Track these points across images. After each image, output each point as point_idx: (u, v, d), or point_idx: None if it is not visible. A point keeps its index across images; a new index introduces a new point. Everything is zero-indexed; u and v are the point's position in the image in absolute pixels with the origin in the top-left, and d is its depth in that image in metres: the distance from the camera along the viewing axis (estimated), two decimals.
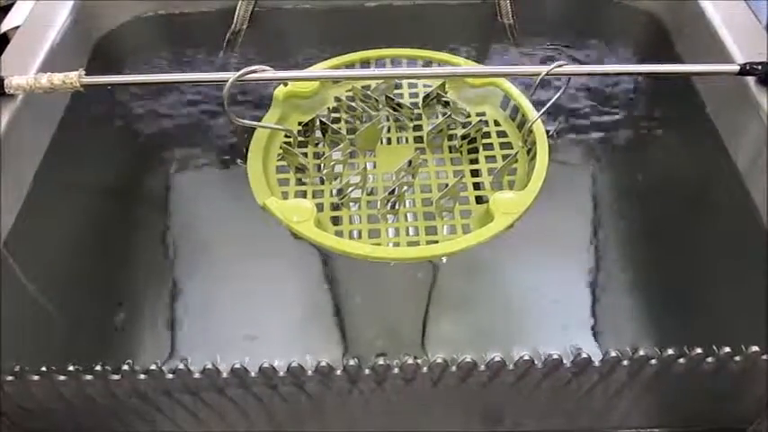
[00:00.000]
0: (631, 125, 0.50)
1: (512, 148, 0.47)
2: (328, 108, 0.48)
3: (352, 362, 0.34)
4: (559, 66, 0.40)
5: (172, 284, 0.45)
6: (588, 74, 0.40)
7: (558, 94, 0.42)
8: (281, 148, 0.45)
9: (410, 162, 0.44)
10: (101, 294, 0.46)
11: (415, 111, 0.48)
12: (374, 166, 0.46)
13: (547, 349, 0.40)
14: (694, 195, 0.45)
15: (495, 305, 0.42)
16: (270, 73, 0.41)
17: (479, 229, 0.40)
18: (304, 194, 0.44)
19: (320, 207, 0.43)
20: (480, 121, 0.46)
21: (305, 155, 0.47)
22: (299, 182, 0.45)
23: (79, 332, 0.45)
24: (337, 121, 0.49)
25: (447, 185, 0.44)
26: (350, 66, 0.51)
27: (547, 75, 0.40)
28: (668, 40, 0.50)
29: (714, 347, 0.34)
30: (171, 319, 0.43)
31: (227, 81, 0.41)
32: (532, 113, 0.46)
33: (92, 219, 0.49)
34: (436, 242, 0.41)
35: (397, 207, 0.43)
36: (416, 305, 0.43)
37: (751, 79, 0.43)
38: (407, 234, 0.42)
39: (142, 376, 0.35)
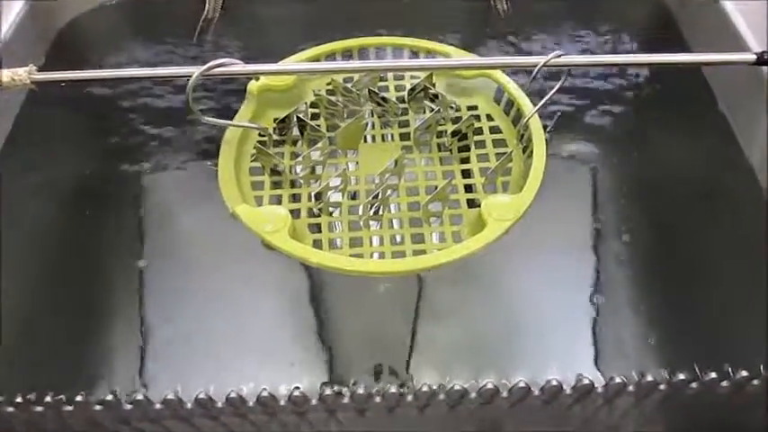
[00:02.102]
0: (637, 120, 0.47)
1: (506, 146, 0.43)
2: (306, 103, 0.45)
3: (328, 390, 0.31)
4: (558, 56, 0.37)
5: (139, 301, 0.42)
6: (590, 64, 0.37)
7: (558, 86, 0.39)
8: (254, 147, 0.41)
9: (396, 162, 0.40)
10: (62, 307, 0.43)
11: (401, 105, 0.45)
12: (356, 167, 0.43)
13: (545, 370, 0.37)
14: (705, 195, 0.42)
15: (488, 320, 0.39)
16: (239, 67, 0.38)
17: (471, 237, 0.37)
18: (279, 199, 0.41)
19: (297, 213, 0.40)
20: (472, 115, 0.42)
21: (281, 155, 0.43)
22: (275, 185, 0.42)
23: (39, 345, 0.42)
24: (317, 117, 0.46)
25: (436, 188, 0.41)
26: (330, 56, 0.47)
27: (545, 66, 0.36)
28: (676, 28, 0.46)
29: (729, 370, 0.31)
30: (139, 336, 0.40)
31: (191, 76, 0.37)
32: (529, 107, 0.43)
33: (53, 225, 0.45)
34: (424, 252, 0.38)
35: (381, 212, 0.40)
36: (402, 320, 0.40)
37: (767, 69, 0.39)
38: (392, 243, 0.39)
39: (98, 407, 0.32)
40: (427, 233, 0.39)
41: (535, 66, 0.37)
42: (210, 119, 0.39)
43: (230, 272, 0.42)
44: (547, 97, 0.39)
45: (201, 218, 0.44)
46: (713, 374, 0.31)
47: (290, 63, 0.41)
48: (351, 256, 0.38)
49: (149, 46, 0.54)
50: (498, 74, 0.45)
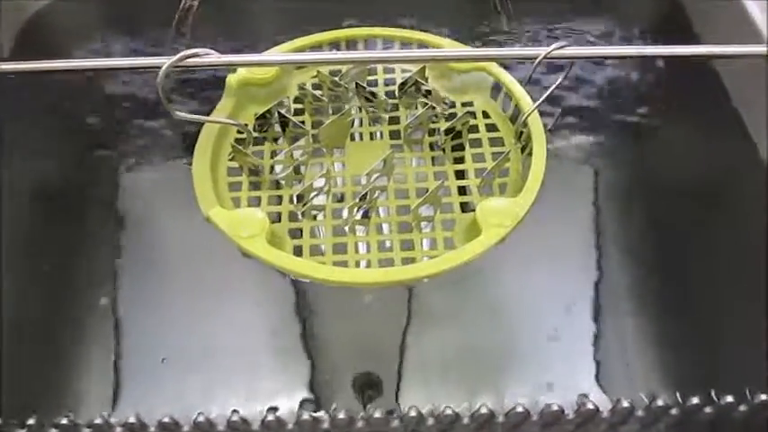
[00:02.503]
0: (645, 118, 0.44)
1: (503, 145, 0.41)
2: (288, 98, 0.42)
3: (306, 415, 0.28)
4: (560, 47, 0.34)
5: (113, 311, 0.39)
6: (594, 57, 0.34)
7: (560, 80, 0.36)
8: (231, 146, 0.38)
9: (384, 162, 0.38)
10: (23, 322, 0.40)
11: (391, 101, 0.42)
12: (342, 167, 0.40)
13: (544, 388, 0.34)
14: (718, 198, 0.39)
15: (483, 333, 0.36)
16: (213, 57, 0.34)
17: (464, 244, 0.34)
18: (259, 201, 0.38)
19: (277, 216, 0.37)
20: (467, 112, 0.39)
21: (260, 154, 0.40)
22: (253, 186, 0.39)
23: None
24: (301, 113, 0.43)
25: (427, 190, 0.38)
26: (316, 47, 0.44)
27: (546, 58, 0.33)
28: (685, 18, 0.44)
29: (747, 393, 0.28)
30: (106, 354, 0.37)
31: (161, 67, 0.34)
32: (528, 104, 0.40)
33: (18, 227, 0.42)
34: (413, 260, 0.35)
35: (368, 216, 0.37)
36: (390, 332, 0.37)
37: None
38: (380, 249, 0.36)
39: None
40: (417, 239, 0.36)
41: (535, 58, 0.34)
42: (183, 114, 0.36)
43: (206, 280, 0.39)
44: (548, 92, 0.36)
45: (177, 222, 0.41)
46: (729, 398, 0.28)
47: (271, 54, 0.38)
48: (334, 263, 0.35)
49: (125, 37, 0.51)
50: (495, 68, 0.42)
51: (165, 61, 0.34)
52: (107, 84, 0.47)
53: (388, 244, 0.36)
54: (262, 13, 0.53)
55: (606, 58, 0.35)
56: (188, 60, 0.35)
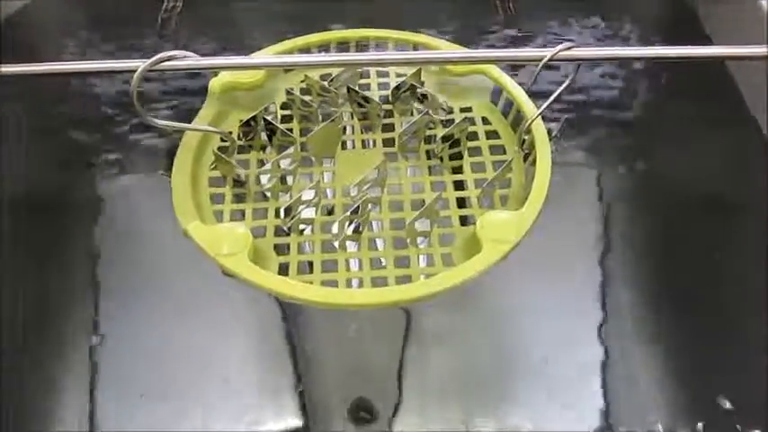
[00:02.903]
0: (656, 125, 0.42)
1: (505, 153, 0.38)
2: (275, 103, 0.39)
3: None
4: (567, 48, 0.31)
5: (84, 338, 0.36)
6: (603, 59, 0.32)
7: (566, 83, 0.33)
8: (213, 154, 0.36)
9: (378, 172, 0.35)
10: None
11: (385, 107, 0.39)
12: (332, 178, 0.37)
13: (546, 417, 0.31)
14: (736, 210, 0.37)
15: (483, 357, 0.33)
16: (192, 60, 0.32)
17: (464, 261, 0.31)
18: (243, 214, 0.35)
19: (261, 231, 0.35)
20: (465, 118, 0.37)
21: (245, 163, 0.38)
22: (237, 198, 0.36)
23: None
24: (288, 119, 0.40)
25: (423, 202, 0.35)
26: (305, 50, 0.42)
27: (552, 60, 0.31)
28: (695, 17, 0.41)
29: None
30: (83, 377, 0.34)
31: (135, 71, 0.32)
32: (531, 109, 0.37)
33: None
34: (409, 278, 0.32)
35: (360, 231, 0.34)
36: (384, 354, 0.34)
37: None
38: (373, 266, 0.33)
39: None
40: (413, 256, 0.33)
41: (540, 60, 0.31)
42: (160, 121, 0.34)
43: (188, 300, 0.36)
44: (553, 97, 0.34)
45: (158, 237, 0.38)
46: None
47: (255, 56, 0.35)
48: (323, 283, 0.32)
49: (105, 40, 0.48)
50: (496, 71, 0.40)
51: (140, 64, 0.32)
52: (87, 86, 0.45)
53: (381, 261, 0.33)
54: (250, 16, 0.50)
55: (615, 59, 0.32)
56: (165, 63, 0.32)
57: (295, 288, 0.30)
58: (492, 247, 0.31)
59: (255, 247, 0.33)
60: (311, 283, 0.32)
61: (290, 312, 0.36)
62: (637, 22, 0.45)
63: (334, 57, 0.32)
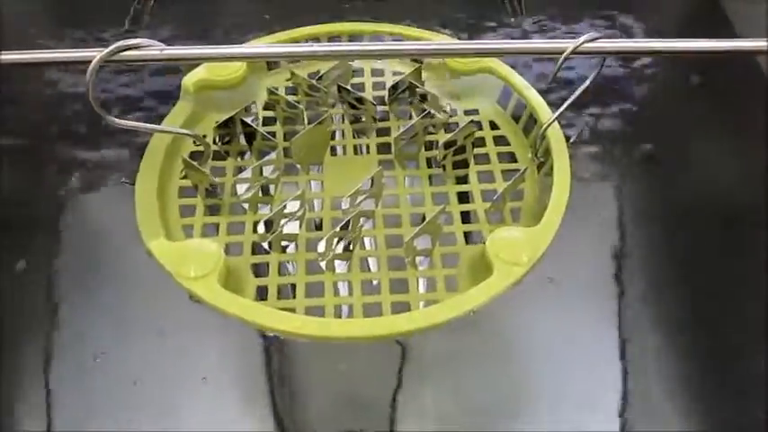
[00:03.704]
0: (683, 129, 0.37)
1: (516, 162, 0.34)
2: (255, 103, 0.35)
3: None
4: (592, 39, 0.27)
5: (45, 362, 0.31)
6: (632, 52, 0.27)
7: (589, 80, 0.29)
8: (183, 161, 0.31)
9: (372, 182, 0.31)
10: None
11: (380, 108, 0.35)
12: (320, 188, 0.33)
13: None
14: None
15: (491, 393, 0.28)
16: (155, 50, 0.28)
17: (471, 285, 0.27)
18: (216, 229, 0.31)
19: (238, 249, 0.30)
20: (471, 122, 0.32)
21: (221, 171, 0.33)
22: (211, 211, 0.32)
23: None
24: (271, 122, 0.36)
25: (424, 217, 0.31)
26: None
27: (574, 53, 0.27)
28: (724, 17, 0.37)
29: None
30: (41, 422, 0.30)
31: (90, 61, 0.27)
32: (546, 112, 0.33)
33: None
34: (408, 305, 0.28)
35: (351, 249, 0.30)
36: (378, 389, 0.29)
37: None
38: (365, 291, 0.29)
39: None
40: (412, 279, 0.29)
41: (561, 52, 0.27)
42: (121, 120, 0.29)
43: (157, 328, 0.31)
44: (573, 96, 0.30)
45: (122, 256, 0.34)
46: None
47: (231, 48, 0.30)
48: (307, 311, 0.28)
49: (70, 34, 0.44)
50: (504, 69, 0.36)
51: (96, 54, 0.28)
52: (45, 84, 0.40)
53: (375, 285, 0.29)
54: (233, 9, 0.46)
55: (645, 53, 0.28)
56: (124, 53, 0.28)
57: (273, 317, 0.26)
58: (504, 269, 0.27)
59: (229, 268, 0.28)
60: (293, 310, 0.28)
61: (273, 339, 0.31)
62: (659, 22, 0.41)
63: (324, 47, 0.28)
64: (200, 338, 0.30)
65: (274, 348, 0.29)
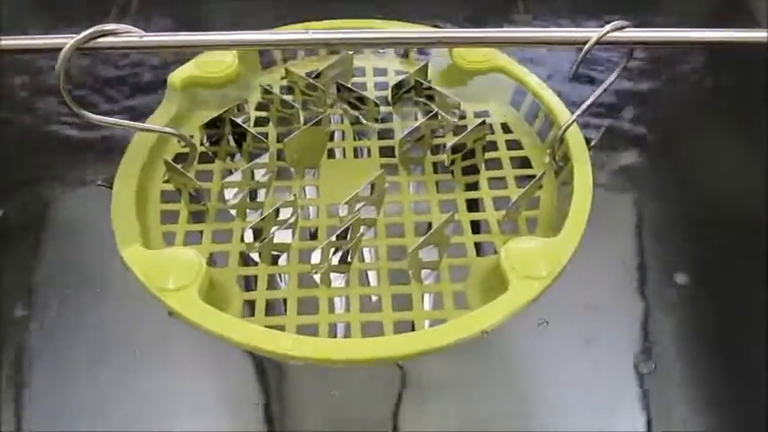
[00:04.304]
0: (714, 131, 0.34)
1: (530, 167, 0.31)
2: (246, 101, 0.32)
3: None
4: (619, 28, 0.24)
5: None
6: (663, 42, 0.25)
7: (614, 76, 0.27)
8: (165, 163, 0.28)
9: (372, 187, 0.28)
10: None
11: (383, 109, 0.32)
12: (316, 194, 0.30)
13: None
14: None
15: (498, 418, 0.25)
16: (134, 37, 0.25)
17: (482, 302, 0.24)
18: (200, 237, 0.28)
19: (223, 259, 0.27)
20: (481, 124, 0.30)
21: (209, 175, 0.30)
22: (195, 217, 0.29)
23: None
24: (264, 123, 0.33)
25: (430, 226, 0.28)
26: None
27: (599, 43, 0.24)
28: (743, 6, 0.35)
29: None
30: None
31: (61, 49, 0.25)
32: (563, 113, 0.30)
33: None
34: (411, 324, 0.25)
35: (349, 260, 0.27)
36: (377, 414, 0.26)
37: None
38: (364, 308, 0.26)
39: None
40: (416, 294, 0.26)
41: (584, 42, 0.24)
42: (98, 117, 0.27)
43: (135, 344, 0.28)
44: (597, 94, 0.27)
45: (94, 265, 0.31)
46: None
47: (219, 34, 0.28)
48: (299, 329, 0.25)
49: (48, 26, 0.41)
50: (517, 68, 0.33)
51: (67, 41, 0.25)
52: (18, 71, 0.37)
53: (375, 301, 0.26)
54: (229, 5, 0.44)
55: (677, 43, 0.26)
56: (100, 40, 0.25)
57: (260, 336, 0.23)
58: (521, 284, 0.24)
59: (212, 280, 0.25)
60: (283, 328, 0.25)
61: (260, 360, 0.28)
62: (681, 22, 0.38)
63: (318, 34, 0.25)
64: (179, 358, 0.27)
65: (262, 370, 0.26)
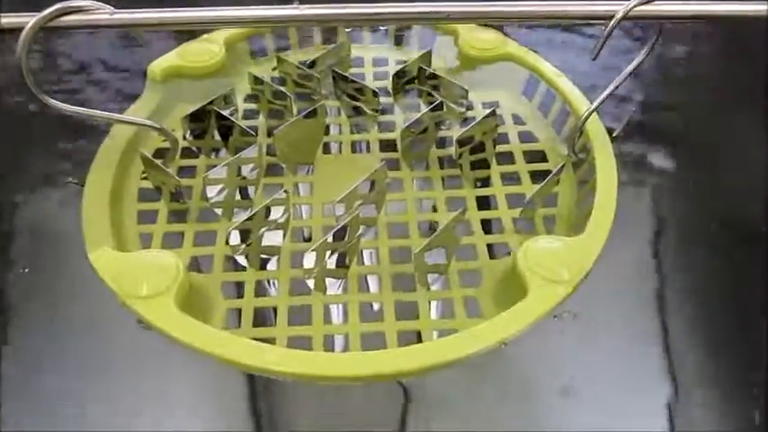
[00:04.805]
0: (740, 120, 0.31)
1: (545, 161, 0.28)
2: (233, 91, 0.29)
3: None
4: (646, 2, 0.22)
5: None
6: (700, 17, 0.22)
7: (640, 58, 0.24)
8: (142, 159, 0.26)
9: (373, 184, 0.25)
10: None
11: (383, 100, 0.29)
12: (310, 191, 0.27)
13: None
14: None
15: None
16: (104, 14, 0.22)
17: (497, 309, 0.21)
18: (181, 240, 0.25)
19: (206, 264, 0.24)
20: (491, 114, 0.27)
21: (192, 171, 0.28)
22: (176, 217, 0.26)
23: None
24: (253, 115, 0.30)
25: (437, 225, 0.25)
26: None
27: (626, 18, 0.21)
28: None
29: None
30: None
31: (22, 28, 0.22)
32: (581, 102, 0.28)
33: None
34: (418, 335, 0.22)
35: (347, 264, 0.24)
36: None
37: None
38: (364, 317, 0.23)
39: None
40: (423, 302, 0.23)
41: (609, 17, 0.22)
42: (67, 106, 0.24)
43: (111, 360, 0.25)
44: (619, 79, 0.24)
45: (64, 270, 0.28)
46: None
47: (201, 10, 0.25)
48: (290, 342, 0.22)
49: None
50: (529, 56, 0.31)
51: (29, 20, 0.22)
52: None
53: (376, 309, 0.23)
54: None
55: (711, 17, 0.23)
56: (65, 18, 0.22)
57: (245, 350, 0.20)
58: (542, 289, 0.21)
59: (193, 287, 0.23)
60: (273, 341, 0.22)
61: (247, 377, 0.25)
62: None
63: (311, 9, 0.22)
64: (156, 374, 0.24)
65: (249, 389, 0.23)
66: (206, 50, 0.31)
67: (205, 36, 0.32)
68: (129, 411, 0.24)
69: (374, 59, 0.33)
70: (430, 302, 0.23)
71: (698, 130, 0.33)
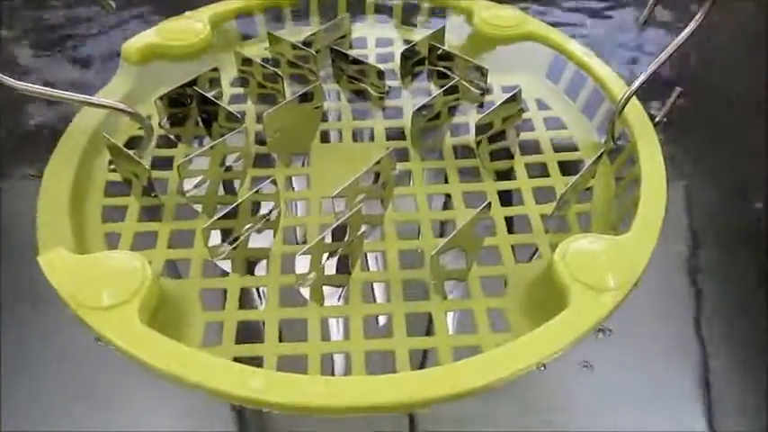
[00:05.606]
0: None
1: (576, 150, 0.24)
2: (218, 71, 0.25)
3: None
4: None
5: None
6: None
7: (686, 32, 0.20)
8: (108, 148, 0.22)
9: (377, 176, 0.21)
10: None
11: (390, 83, 0.26)
12: (306, 185, 0.24)
13: None
14: None
15: None
16: None
17: (531, 326, 0.17)
18: (154, 241, 0.21)
19: (184, 268, 0.21)
20: (513, 98, 0.23)
21: (168, 163, 0.24)
22: (148, 214, 0.22)
23: None
24: (241, 100, 0.27)
25: (455, 225, 0.21)
26: (269, 11, 0.29)
27: None
28: None
29: None
30: None
31: None
32: (618, 84, 0.24)
33: None
34: (434, 354, 0.18)
35: (348, 269, 0.20)
36: None
37: None
38: (368, 333, 0.19)
39: None
40: (438, 313, 0.19)
41: None
42: (26, 85, 0.20)
43: (82, 384, 0.22)
44: (664, 56, 0.21)
45: (12, 272, 0.24)
46: None
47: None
48: (280, 364, 0.18)
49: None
50: (555, 35, 0.27)
51: None
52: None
53: (383, 324, 0.19)
54: None
55: None
56: None
57: (223, 373, 0.16)
58: (586, 298, 0.17)
59: (165, 296, 0.19)
60: (260, 361, 0.18)
61: (229, 406, 0.21)
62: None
63: None
64: (120, 400, 0.20)
65: (231, 418, 0.19)
66: (189, 28, 0.27)
67: (188, 13, 0.28)
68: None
69: (378, 40, 0.29)
70: (446, 314, 0.20)
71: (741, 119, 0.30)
